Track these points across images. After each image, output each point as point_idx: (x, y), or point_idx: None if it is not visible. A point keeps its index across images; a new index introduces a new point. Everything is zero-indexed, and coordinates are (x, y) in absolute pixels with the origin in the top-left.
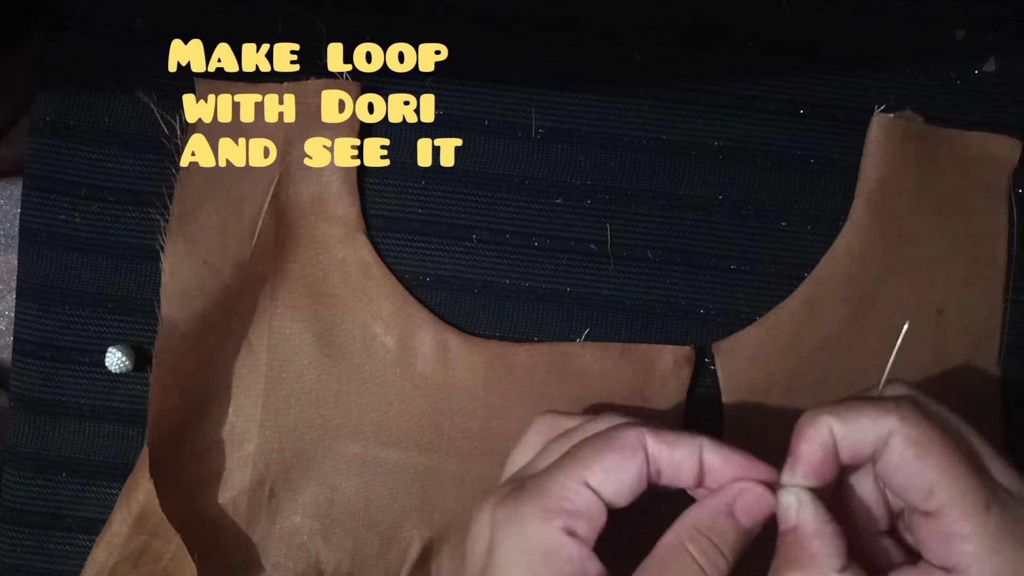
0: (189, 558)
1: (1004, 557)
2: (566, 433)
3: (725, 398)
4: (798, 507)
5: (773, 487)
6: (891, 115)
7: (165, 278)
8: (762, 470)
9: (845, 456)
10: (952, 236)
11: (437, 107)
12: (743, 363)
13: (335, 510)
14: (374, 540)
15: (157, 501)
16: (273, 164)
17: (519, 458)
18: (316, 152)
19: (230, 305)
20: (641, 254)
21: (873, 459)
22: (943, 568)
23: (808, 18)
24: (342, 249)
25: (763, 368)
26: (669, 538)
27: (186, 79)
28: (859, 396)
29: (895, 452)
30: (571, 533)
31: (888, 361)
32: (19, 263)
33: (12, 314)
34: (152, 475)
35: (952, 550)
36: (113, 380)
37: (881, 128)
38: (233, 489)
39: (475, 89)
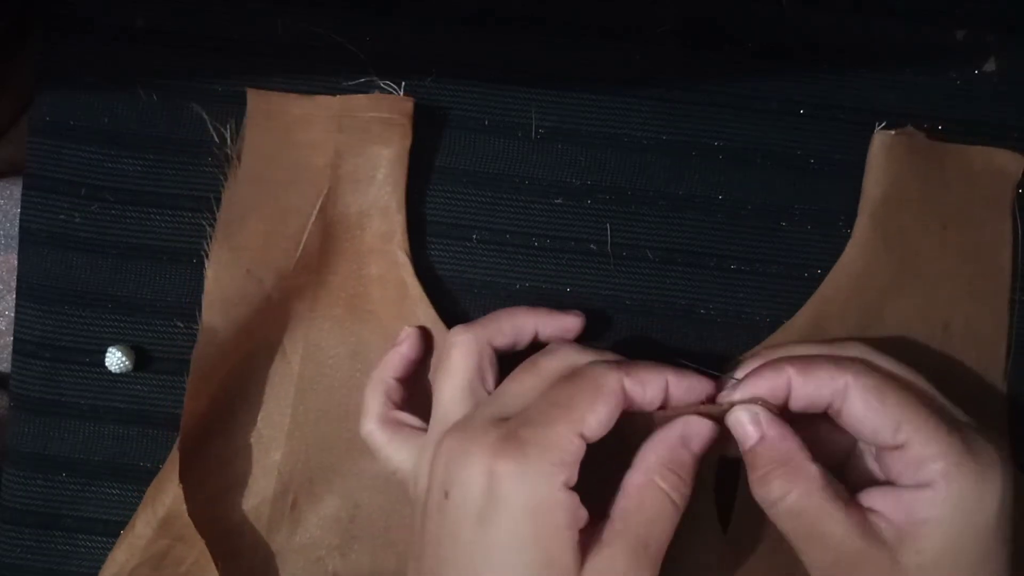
0: (212, 564)
1: (968, 470)
2: (530, 368)
3: None
4: (757, 420)
5: (711, 416)
6: (892, 132)
7: (208, 285)
8: (706, 391)
9: (798, 405)
10: (957, 250)
11: (437, 107)
12: None
13: (355, 527)
14: (391, 560)
15: (184, 506)
16: (322, 177)
17: (452, 389)
18: (365, 167)
19: (269, 314)
20: (641, 254)
21: (830, 409)
22: (915, 486)
23: (808, 18)
24: (382, 266)
25: None
26: (639, 478)
27: (205, 81)
28: (815, 353)
29: (857, 402)
30: (568, 485)
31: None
32: (19, 263)
33: (12, 314)
34: (181, 480)
35: (922, 471)
36: (113, 380)
37: (882, 145)
38: (256, 496)
39: (475, 89)
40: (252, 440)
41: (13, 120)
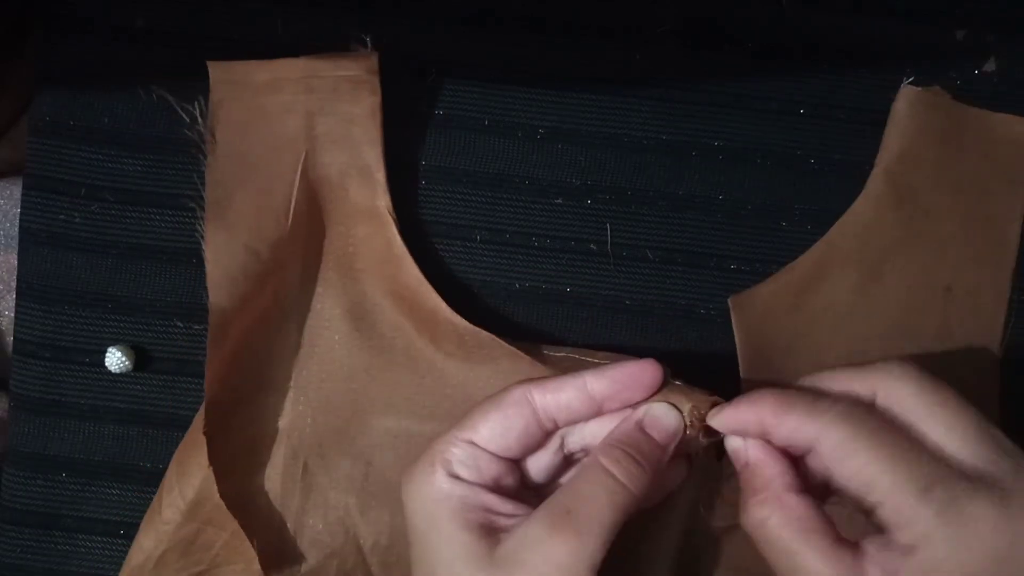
0: (246, 544)
1: (952, 531)
2: None
3: (740, 354)
4: (745, 447)
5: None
6: (918, 88)
7: (209, 266)
8: (648, 373)
9: (779, 443)
10: (967, 215)
11: (437, 107)
12: (754, 319)
13: (370, 484)
14: None
15: (216, 487)
16: (298, 141)
17: None
18: (339, 126)
19: (267, 284)
20: (641, 254)
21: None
22: (904, 546)
23: (808, 18)
24: (368, 225)
25: (771, 325)
26: (585, 460)
27: (190, 73)
28: (810, 385)
29: (825, 455)
30: (455, 476)
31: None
32: (19, 263)
33: (12, 314)
34: (210, 462)
35: (903, 533)
36: (113, 380)
37: (907, 100)
38: (265, 465)
39: (475, 89)
40: (257, 410)
41: (13, 120)
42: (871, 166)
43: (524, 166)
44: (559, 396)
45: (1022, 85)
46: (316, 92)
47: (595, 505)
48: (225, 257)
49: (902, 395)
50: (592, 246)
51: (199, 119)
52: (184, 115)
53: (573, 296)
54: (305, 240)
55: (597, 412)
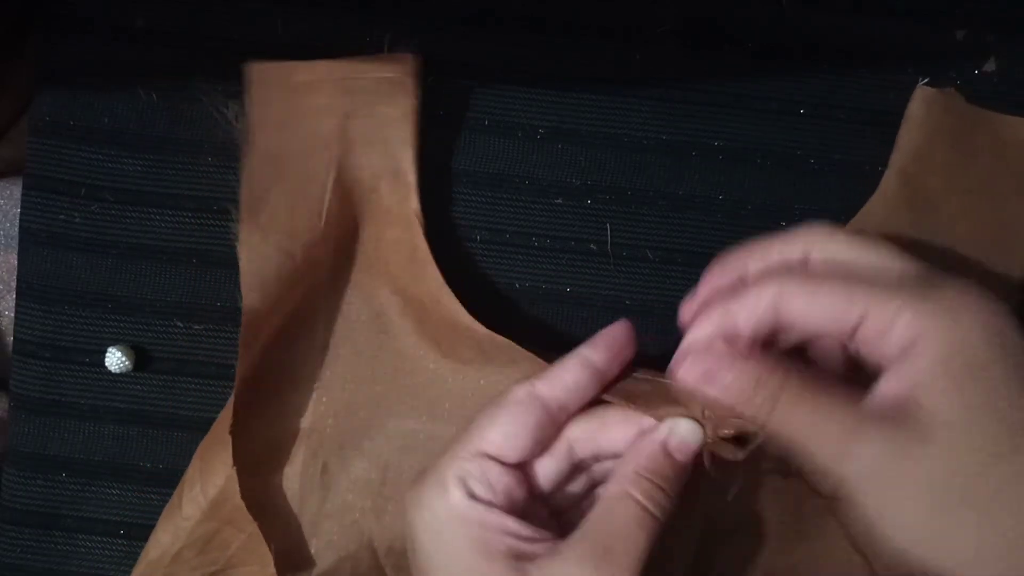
0: (263, 547)
1: (935, 303)
2: None
3: None
4: (698, 362)
5: (698, 420)
6: (934, 89)
7: (243, 266)
8: (624, 330)
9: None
10: (977, 217)
11: (437, 107)
12: None
13: (388, 488)
14: None
15: (238, 488)
16: (333, 141)
17: None
18: (374, 129)
19: (298, 286)
20: (641, 254)
21: (784, 328)
22: (901, 354)
23: (808, 18)
24: (398, 229)
25: None
26: (613, 487)
27: (190, 73)
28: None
29: (797, 299)
30: (472, 495)
31: None
32: (19, 263)
33: (12, 314)
34: (234, 462)
35: (896, 329)
36: (113, 380)
37: (922, 101)
38: (285, 465)
39: (475, 89)
40: (280, 409)
41: (13, 120)
42: (871, 166)
43: (524, 166)
44: (565, 378)
45: (1022, 85)
46: (353, 94)
47: (632, 541)
48: (259, 259)
49: (836, 248)
50: (592, 246)
51: (234, 122)
52: (219, 116)
53: (573, 296)
54: (337, 242)
55: (601, 382)
